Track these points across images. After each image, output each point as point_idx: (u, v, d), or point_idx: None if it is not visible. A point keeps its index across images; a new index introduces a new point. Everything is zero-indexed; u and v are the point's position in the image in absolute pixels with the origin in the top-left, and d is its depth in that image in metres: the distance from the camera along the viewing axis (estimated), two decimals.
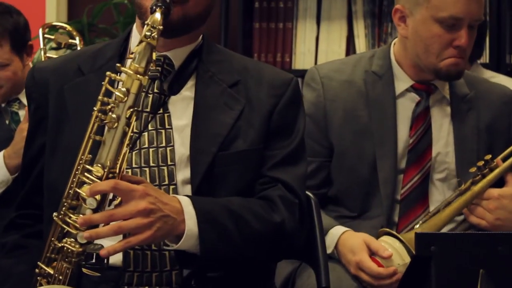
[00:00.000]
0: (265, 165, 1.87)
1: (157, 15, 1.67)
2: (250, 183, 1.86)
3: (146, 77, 1.62)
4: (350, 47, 4.01)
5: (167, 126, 1.82)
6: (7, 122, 3.04)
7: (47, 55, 3.44)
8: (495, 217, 2.29)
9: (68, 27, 3.55)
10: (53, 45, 3.66)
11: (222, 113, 1.85)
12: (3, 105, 3.06)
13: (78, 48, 3.49)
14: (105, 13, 4.43)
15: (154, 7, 1.69)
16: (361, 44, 3.96)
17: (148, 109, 1.81)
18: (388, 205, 2.38)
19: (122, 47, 1.91)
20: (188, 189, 1.80)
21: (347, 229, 2.33)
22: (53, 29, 3.66)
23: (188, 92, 1.87)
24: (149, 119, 1.81)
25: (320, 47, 4.06)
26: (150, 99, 1.82)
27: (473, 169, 2.33)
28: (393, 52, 2.47)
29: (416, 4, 2.36)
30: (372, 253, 2.24)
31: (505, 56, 3.61)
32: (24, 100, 2.99)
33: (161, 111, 1.83)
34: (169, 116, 1.83)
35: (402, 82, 2.44)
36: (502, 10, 3.61)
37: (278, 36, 4.14)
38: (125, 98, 1.60)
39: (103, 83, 1.65)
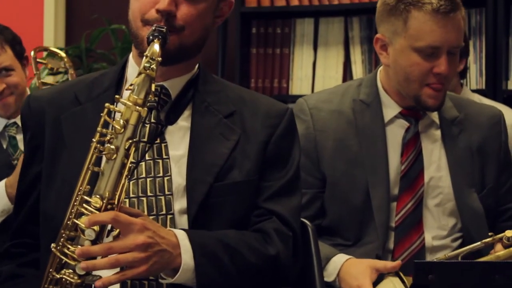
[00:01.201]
0: (260, 196, 1.88)
1: (156, 47, 1.68)
2: (246, 213, 1.87)
3: (145, 108, 1.63)
4: (347, 73, 4.03)
5: (164, 156, 1.83)
6: (4, 146, 3.04)
7: (43, 80, 3.45)
8: None
9: (60, 53, 3.53)
10: (47, 72, 3.67)
11: (218, 143, 1.86)
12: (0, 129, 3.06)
13: (69, 73, 3.48)
14: (103, 38, 4.46)
15: (151, 38, 1.71)
16: (358, 69, 3.97)
17: (145, 139, 1.82)
18: (383, 232, 2.37)
19: (119, 76, 1.92)
20: (185, 219, 1.81)
21: (350, 256, 2.32)
22: (50, 54, 3.67)
23: (184, 122, 1.88)
24: (146, 149, 1.82)
25: (317, 73, 4.08)
26: (147, 129, 1.83)
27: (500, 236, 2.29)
28: (379, 79, 2.49)
29: (394, 33, 2.38)
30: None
31: (501, 82, 3.61)
32: None
33: (158, 141, 1.84)
34: (166, 146, 1.84)
35: (390, 109, 2.46)
36: (498, 36, 3.63)
37: (275, 61, 4.16)
38: (124, 130, 1.61)
39: (102, 114, 1.65)
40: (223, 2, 1.91)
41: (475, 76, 3.72)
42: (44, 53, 3.89)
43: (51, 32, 4.66)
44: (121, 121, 1.61)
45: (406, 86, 2.39)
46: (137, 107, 1.61)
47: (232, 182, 1.84)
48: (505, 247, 2.26)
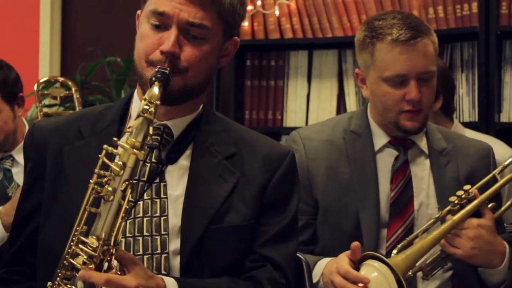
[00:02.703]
0: (256, 240, 1.88)
1: (155, 89, 1.70)
2: (240, 258, 1.87)
3: (143, 152, 1.64)
4: (341, 105, 4.05)
5: (162, 196, 1.83)
6: None
7: (45, 111, 3.46)
8: (472, 245, 2.28)
9: (62, 79, 3.55)
10: (51, 101, 3.67)
11: (216, 185, 1.86)
12: None
13: (75, 99, 3.49)
14: (98, 71, 4.48)
15: (153, 79, 1.73)
16: (351, 102, 3.99)
17: (145, 178, 1.83)
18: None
19: (123, 110, 1.93)
20: (178, 260, 1.81)
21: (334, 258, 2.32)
22: (48, 84, 3.68)
23: (184, 161, 1.88)
24: (145, 188, 1.83)
25: (311, 105, 4.11)
26: (148, 168, 1.84)
27: (452, 198, 2.34)
28: (369, 111, 2.54)
29: (366, 67, 2.45)
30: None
31: (494, 115, 3.64)
32: (18, 157, 3.01)
33: (157, 180, 1.84)
34: (165, 186, 1.84)
35: (380, 138, 2.50)
36: (490, 69, 3.66)
37: (269, 93, 4.19)
38: (121, 172, 1.62)
39: (99, 156, 1.67)
40: (228, 42, 1.91)
41: (468, 109, 3.75)
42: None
43: (46, 64, 4.67)
44: (119, 163, 1.62)
45: (384, 114, 2.45)
46: (135, 150, 1.62)
47: (227, 225, 1.84)
48: (455, 212, 2.31)
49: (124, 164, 1.62)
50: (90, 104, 4.08)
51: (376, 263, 2.17)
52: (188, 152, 1.89)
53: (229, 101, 4.18)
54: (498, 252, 2.32)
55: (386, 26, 2.40)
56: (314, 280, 2.30)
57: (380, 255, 2.21)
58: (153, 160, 1.84)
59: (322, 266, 2.31)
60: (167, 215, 1.82)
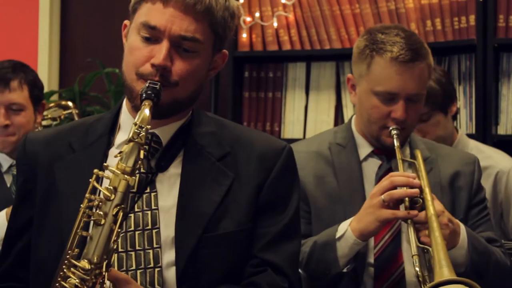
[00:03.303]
0: (255, 244, 1.85)
1: (146, 112, 1.69)
2: (239, 264, 1.83)
3: (134, 177, 1.63)
4: (339, 117, 4.05)
5: (153, 207, 1.81)
6: (8, 185, 3.06)
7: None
8: (449, 231, 2.30)
9: (58, 102, 3.56)
10: (49, 122, 3.68)
11: (209, 191, 1.82)
12: (4, 168, 3.08)
13: (74, 115, 3.50)
14: (96, 81, 4.49)
15: (144, 95, 1.71)
16: (349, 113, 3.99)
17: (135, 189, 1.81)
18: (360, 269, 2.41)
19: (112, 122, 1.91)
20: (173, 272, 1.79)
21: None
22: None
23: (175, 169, 1.85)
24: (136, 199, 1.81)
25: (309, 117, 4.11)
26: (137, 179, 1.81)
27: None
28: (354, 124, 2.61)
29: (360, 76, 2.51)
30: None
31: (491, 127, 3.63)
32: None
33: (148, 189, 1.82)
34: (155, 196, 1.82)
35: (364, 148, 2.57)
36: (487, 81, 3.65)
37: (267, 105, 4.19)
38: (112, 196, 1.61)
39: (90, 176, 1.66)
40: (217, 55, 1.89)
41: (465, 121, 3.75)
42: None
43: (45, 75, 4.67)
44: (110, 188, 1.62)
45: (368, 126, 2.51)
46: (125, 176, 1.62)
47: (223, 232, 1.81)
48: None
49: (115, 189, 1.62)
50: (88, 115, 4.08)
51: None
52: (179, 158, 1.86)
53: (227, 112, 4.17)
54: (458, 228, 2.34)
55: (388, 42, 2.43)
56: (338, 235, 2.33)
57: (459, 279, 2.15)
58: (142, 170, 1.82)
59: (346, 223, 2.36)
60: (158, 228, 1.80)
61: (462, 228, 2.35)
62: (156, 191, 1.82)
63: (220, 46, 1.89)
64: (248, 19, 4.15)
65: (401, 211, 2.30)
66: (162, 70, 1.77)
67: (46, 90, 3.90)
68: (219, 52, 1.90)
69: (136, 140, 1.64)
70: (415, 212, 2.27)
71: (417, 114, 2.53)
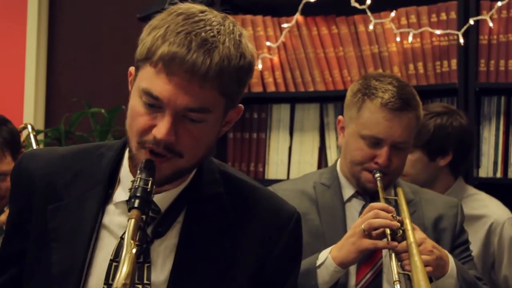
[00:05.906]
0: None
1: (132, 223, 1.54)
2: None
3: None
4: (322, 158, 4.07)
5: (145, 281, 1.69)
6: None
7: None
8: (435, 257, 2.33)
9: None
10: None
11: (205, 266, 1.70)
12: None
13: None
14: (82, 121, 4.51)
15: (132, 200, 1.56)
16: (333, 155, 4.02)
17: None
18: None
19: (113, 168, 1.77)
20: None
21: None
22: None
23: (172, 238, 1.72)
24: None
25: (292, 158, 4.12)
26: None
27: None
28: (339, 166, 2.67)
29: (350, 118, 2.57)
30: None
31: (472, 170, 3.67)
32: None
33: (141, 259, 1.68)
34: (149, 267, 1.69)
35: (348, 189, 2.62)
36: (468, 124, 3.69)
37: (251, 146, 4.20)
38: None
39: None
40: (231, 111, 1.71)
41: None
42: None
43: (31, 114, 4.70)
44: None
45: (350, 167, 2.57)
46: None
47: None
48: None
49: None
50: None
51: None
52: (178, 225, 1.72)
53: (211, 152, 4.17)
54: (445, 257, 2.38)
55: (381, 89, 2.50)
56: (318, 263, 2.38)
57: None
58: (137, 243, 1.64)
59: (326, 252, 2.40)
60: None
61: (451, 258, 2.39)
62: (150, 262, 1.70)
63: (233, 104, 1.70)
64: None
65: (382, 241, 2.35)
66: (165, 143, 1.61)
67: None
68: (234, 108, 1.72)
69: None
70: (395, 243, 2.32)
71: (401, 162, 2.58)
